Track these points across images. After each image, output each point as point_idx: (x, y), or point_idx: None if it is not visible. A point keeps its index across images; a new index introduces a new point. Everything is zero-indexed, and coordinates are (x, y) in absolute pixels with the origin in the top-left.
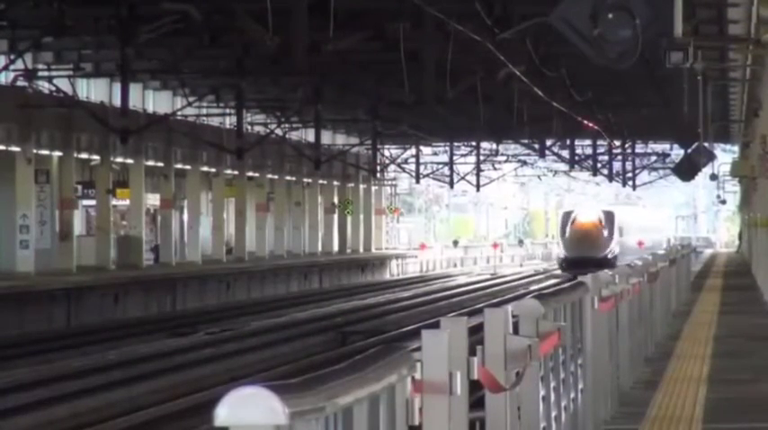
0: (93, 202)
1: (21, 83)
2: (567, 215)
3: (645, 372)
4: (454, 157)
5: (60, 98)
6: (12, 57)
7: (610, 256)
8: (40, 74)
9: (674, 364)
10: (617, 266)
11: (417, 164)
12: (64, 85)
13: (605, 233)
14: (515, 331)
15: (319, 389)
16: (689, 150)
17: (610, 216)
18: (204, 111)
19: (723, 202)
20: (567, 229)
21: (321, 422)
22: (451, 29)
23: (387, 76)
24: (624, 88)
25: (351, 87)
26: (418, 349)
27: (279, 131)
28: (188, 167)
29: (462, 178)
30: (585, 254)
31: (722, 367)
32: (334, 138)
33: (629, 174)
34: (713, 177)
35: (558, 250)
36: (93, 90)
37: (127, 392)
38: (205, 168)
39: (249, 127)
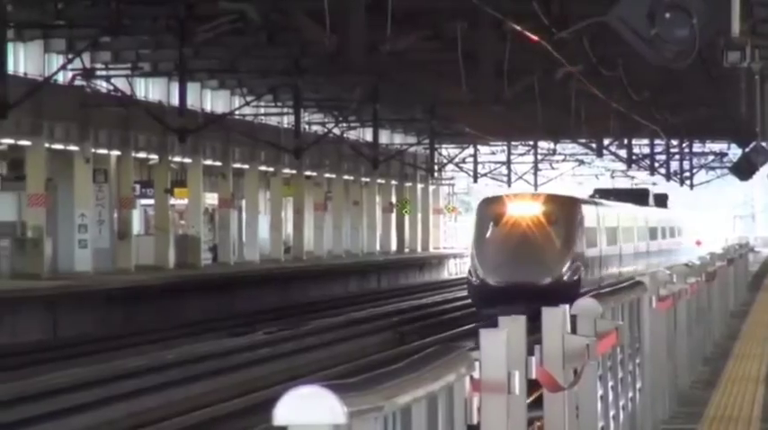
0: (151, 202)
1: (79, 82)
2: (489, 205)
3: (703, 372)
4: (512, 157)
5: (118, 97)
6: (70, 56)
7: (566, 280)
8: (98, 73)
9: (732, 364)
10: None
11: (475, 163)
12: (122, 84)
13: (558, 239)
14: (573, 330)
15: (378, 389)
16: (747, 149)
17: (570, 207)
18: (262, 110)
19: None
20: (488, 232)
21: (380, 421)
22: (509, 28)
23: (444, 76)
24: (681, 88)
25: (408, 87)
26: (476, 348)
27: (336, 131)
28: (246, 167)
29: (520, 178)
30: (518, 278)
31: None
32: (391, 138)
33: (687, 174)
34: None
35: (472, 269)
36: (151, 89)
37: (185, 392)
38: (263, 167)
39: (307, 126)
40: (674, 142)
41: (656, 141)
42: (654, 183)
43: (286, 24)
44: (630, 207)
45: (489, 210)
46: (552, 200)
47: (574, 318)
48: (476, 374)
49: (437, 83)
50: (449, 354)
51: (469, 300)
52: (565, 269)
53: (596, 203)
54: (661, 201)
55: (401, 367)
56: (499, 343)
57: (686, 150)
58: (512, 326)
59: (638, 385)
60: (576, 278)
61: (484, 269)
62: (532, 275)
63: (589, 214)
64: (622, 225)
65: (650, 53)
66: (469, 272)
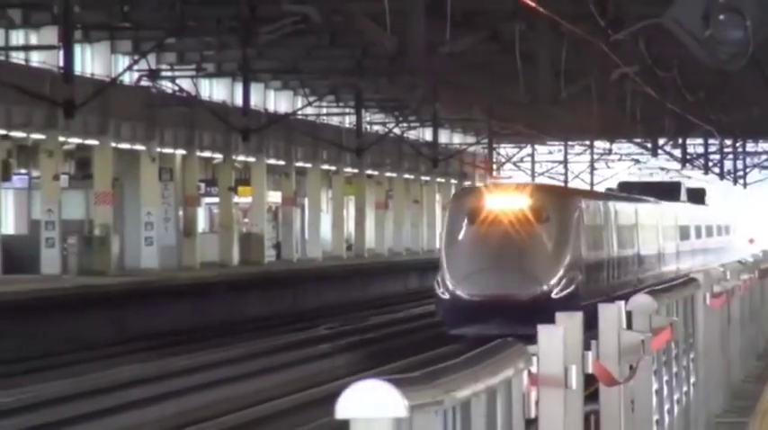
0: (215, 200)
1: (145, 83)
2: (463, 199)
3: (756, 367)
4: (568, 156)
5: (183, 98)
6: (136, 57)
7: (559, 292)
8: (164, 74)
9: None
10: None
11: (533, 162)
12: (187, 84)
13: (550, 240)
14: (629, 326)
15: (438, 383)
16: None
17: (565, 200)
18: (324, 110)
19: None
20: (461, 233)
21: (440, 415)
22: (566, 30)
23: (502, 76)
24: (735, 88)
25: (467, 87)
26: (534, 343)
27: (397, 130)
28: (308, 165)
29: (576, 176)
30: (496, 290)
31: None
32: (451, 137)
33: (740, 173)
34: None
35: (440, 279)
36: (215, 89)
37: (250, 386)
38: (325, 166)
39: (368, 126)
40: (728, 142)
41: (710, 141)
42: (707, 182)
43: (348, 26)
44: (652, 203)
45: (463, 204)
46: (542, 191)
47: (629, 314)
48: (533, 369)
49: (495, 83)
50: (507, 349)
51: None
52: (557, 279)
53: (603, 197)
54: (697, 196)
55: (461, 362)
56: (556, 338)
57: (739, 150)
58: (569, 322)
59: (692, 379)
60: (571, 289)
61: (454, 279)
62: (515, 287)
63: (592, 210)
64: (642, 222)
65: (704, 54)
66: (437, 282)
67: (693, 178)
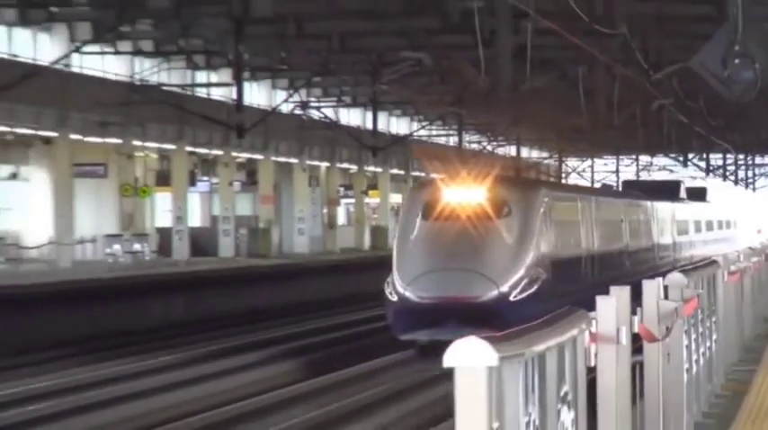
0: (351, 201)
1: (297, 111)
2: (417, 192)
3: (764, 328)
4: (619, 167)
5: (326, 123)
6: (290, 92)
7: (516, 299)
8: (312, 104)
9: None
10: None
11: (592, 172)
12: (329, 112)
13: (511, 237)
14: (665, 297)
15: (520, 340)
16: None
17: (528, 193)
18: (434, 132)
19: None
20: (414, 229)
21: (522, 365)
22: (617, 71)
23: (570, 107)
24: (747, 116)
25: (543, 115)
26: (594, 310)
27: (489, 147)
28: (422, 174)
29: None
30: (449, 293)
31: None
32: (530, 153)
33: (750, 180)
34: None
35: (390, 280)
36: (352, 116)
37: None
38: (434, 175)
39: (467, 144)
40: (741, 156)
41: (728, 155)
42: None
43: (452, 68)
44: (643, 198)
45: (418, 198)
46: (504, 184)
47: (666, 287)
48: (593, 329)
49: (564, 112)
50: (574, 314)
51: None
52: (517, 279)
53: (578, 190)
54: (698, 194)
55: (538, 324)
56: (611, 306)
57: (750, 162)
58: (620, 294)
59: (714, 337)
60: (532, 290)
61: (404, 280)
62: (469, 289)
63: (562, 204)
64: (630, 218)
65: (724, 90)
66: (387, 283)
67: (716, 184)
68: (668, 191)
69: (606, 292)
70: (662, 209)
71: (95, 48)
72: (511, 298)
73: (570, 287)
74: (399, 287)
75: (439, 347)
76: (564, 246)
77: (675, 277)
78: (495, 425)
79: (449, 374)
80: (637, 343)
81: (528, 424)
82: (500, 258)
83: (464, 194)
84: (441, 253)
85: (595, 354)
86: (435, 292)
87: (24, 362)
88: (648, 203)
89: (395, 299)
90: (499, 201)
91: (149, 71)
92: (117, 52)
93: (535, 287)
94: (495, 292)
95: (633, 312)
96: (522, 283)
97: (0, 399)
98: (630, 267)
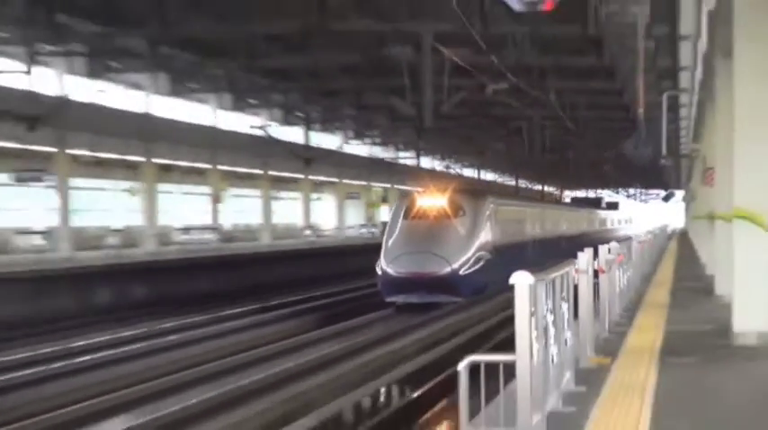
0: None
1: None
2: (403, 200)
3: (652, 269)
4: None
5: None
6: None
7: (464, 273)
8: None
9: (650, 292)
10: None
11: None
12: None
13: (463, 230)
14: (609, 253)
15: (543, 273)
16: (667, 192)
17: (479, 200)
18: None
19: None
20: (397, 227)
21: (544, 283)
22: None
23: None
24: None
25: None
26: (576, 259)
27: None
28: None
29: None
30: (415, 268)
31: (675, 303)
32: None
33: (642, 199)
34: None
35: (380, 260)
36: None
37: None
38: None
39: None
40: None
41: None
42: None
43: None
44: (566, 206)
45: (401, 204)
46: (461, 194)
47: (610, 248)
48: (576, 266)
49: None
50: (568, 261)
51: None
52: (464, 259)
53: (520, 200)
54: (614, 205)
55: (554, 267)
56: (585, 256)
57: (641, 193)
58: (588, 252)
59: (629, 273)
60: (477, 267)
61: (387, 260)
62: (430, 266)
63: (505, 208)
64: (568, 217)
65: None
66: (377, 262)
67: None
68: (596, 203)
69: (545, 264)
70: (591, 212)
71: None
72: (460, 272)
73: (514, 263)
74: (384, 264)
75: (410, 307)
76: (507, 236)
77: (614, 244)
78: (532, 309)
79: (419, 324)
80: (596, 275)
81: (546, 310)
82: (454, 245)
83: (432, 201)
84: (413, 241)
85: (577, 279)
86: (407, 268)
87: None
88: (583, 209)
89: (381, 272)
90: (456, 206)
91: None
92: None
93: (479, 265)
94: (448, 268)
95: (595, 259)
96: (470, 262)
97: None
98: (567, 246)
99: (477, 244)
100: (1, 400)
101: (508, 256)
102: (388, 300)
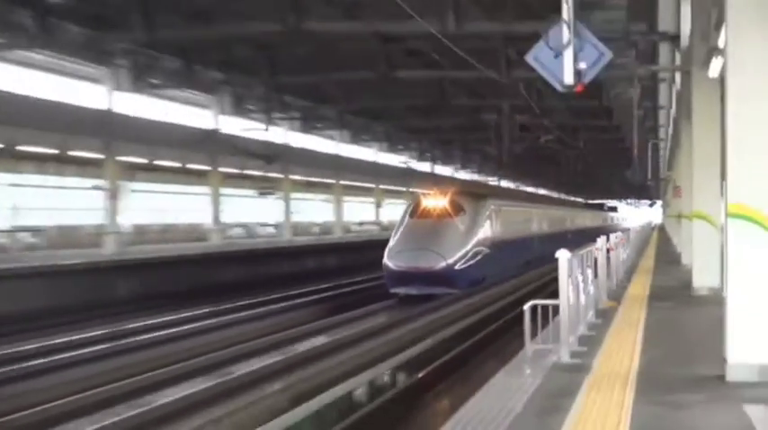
0: None
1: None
2: (411, 202)
3: (642, 248)
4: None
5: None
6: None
7: (460, 268)
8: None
9: (641, 262)
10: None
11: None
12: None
13: (461, 227)
14: (616, 237)
15: (577, 251)
16: (652, 202)
17: (478, 201)
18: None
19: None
20: (403, 225)
21: (577, 256)
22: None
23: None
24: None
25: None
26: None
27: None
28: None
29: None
30: (413, 263)
31: (657, 270)
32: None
33: (635, 205)
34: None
35: (386, 255)
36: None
37: None
38: None
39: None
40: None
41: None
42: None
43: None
44: (583, 208)
45: (410, 205)
46: (461, 194)
47: (617, 235)
48: (596, 247)
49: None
50: (590, 244)
51: None
52: (461, 255)
53: (520, 201)
54: (613, 208)
55: (583, 247)
56: (600, 241)
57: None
58: (601, 239)
59: (628, 251)
60: (473, 262)
61: (391, 255)
62: (428, 261)
63: (505, 208)
64: (573, 216)
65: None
66: (384, 256)
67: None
68: (599, 206)
69: (549, 258)
70: (594, 212)
71: None
72: (456, 267)
73: (515, 257)
74: (388, 259)
75: (411, 297)
76: (508, 233)
77: (618, 233)
78: (570, 274)
79: (417, 315)
80: (607, 251)
81: (577, 274)
82: (451, 242)
83: (435, 202)
84: (415, 238)
85: (596, 254)
86: (408, 263)
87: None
88: (587, 210)
89: (386, 267)
90: (457, 206)
91: None
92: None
93: (474, 260)
94: (444, 263)
95: (608, 241)
96: (465, 258)
97: None
98: (573, 239)
99: (474, 240)
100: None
101: (507, 251)
102: (392, 291)
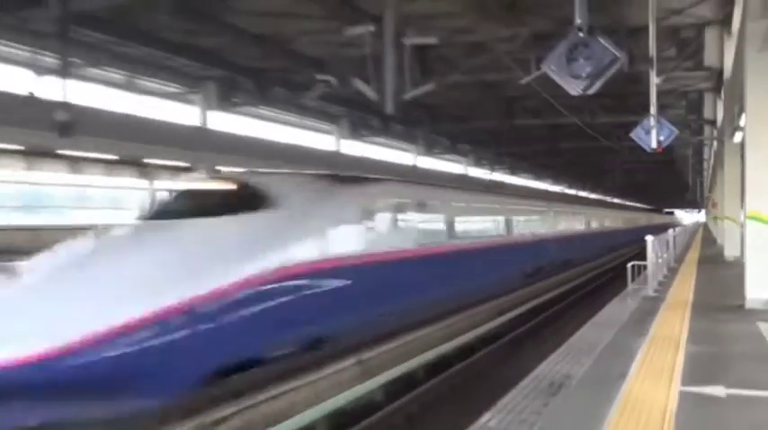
0: None
1: None
2: None
3: (690, 238)
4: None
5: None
6: None
7: None
8: None
9: (692, 245)
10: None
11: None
12: None
13: None
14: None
15: (656, 236)
16: (699, 211)
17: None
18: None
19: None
20: None
21: (659, 239)
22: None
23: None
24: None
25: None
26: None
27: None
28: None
29: None
30: None
31: (702, 250)
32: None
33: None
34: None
35: None
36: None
37: None
38: None
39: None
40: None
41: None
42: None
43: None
44: (646, 211)
45: None
46: None
47: (682, 227)
48: (670, 234)
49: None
50: (663, 232)
51: None
52: None
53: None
54: (670, 213)
55: (659, 238)
56: (671, 231)
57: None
58: (670, 231)
59: (685, 237)
60: None
61: None
62: None
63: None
64: (631, 217)
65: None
66: None
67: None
68: (659, 211)
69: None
70: (659, 214)
71: None
72: None
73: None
74: None
75: None
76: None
77: (679, 227)
78: (656, 252)
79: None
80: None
81: (659, 252)
82: None
83: None
84: None
85: (668, 237)
86: None
87: None
88: (650, 212)
89: None
90: None
91: None
92: None
93: None
94: None
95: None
96: None
97: None
98: (634, 233)
99: None
100: None
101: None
102: None
